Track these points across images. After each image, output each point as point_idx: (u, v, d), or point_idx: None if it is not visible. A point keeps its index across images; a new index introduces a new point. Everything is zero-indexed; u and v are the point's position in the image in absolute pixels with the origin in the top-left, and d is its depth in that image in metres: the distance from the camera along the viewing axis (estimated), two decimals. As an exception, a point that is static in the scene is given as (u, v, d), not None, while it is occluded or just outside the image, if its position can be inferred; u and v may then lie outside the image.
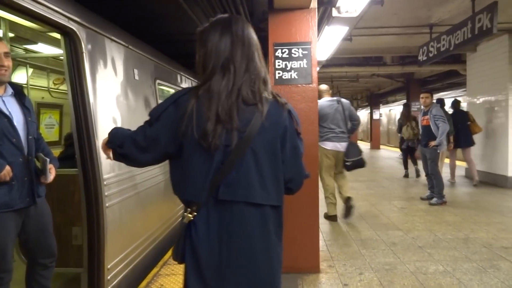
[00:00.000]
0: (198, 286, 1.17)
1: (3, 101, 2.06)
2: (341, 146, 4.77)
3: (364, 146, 19.59)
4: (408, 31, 7.25)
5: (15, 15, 2.12)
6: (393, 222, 4.79)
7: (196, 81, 6.12)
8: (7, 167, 1.96)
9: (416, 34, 7.36)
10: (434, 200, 5.72)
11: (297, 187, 1.35)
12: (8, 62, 2.05)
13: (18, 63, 4.90)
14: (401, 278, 3.10)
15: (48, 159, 2.15)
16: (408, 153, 8.50)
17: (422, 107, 6.01)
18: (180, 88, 5.18)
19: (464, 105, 8.54)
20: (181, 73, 5.24)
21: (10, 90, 2.14)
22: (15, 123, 2.06)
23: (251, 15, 4.62)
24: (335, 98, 4.94)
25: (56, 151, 6.41)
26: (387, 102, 18.89)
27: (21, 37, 3.72)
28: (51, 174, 2.21)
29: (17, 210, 2.05)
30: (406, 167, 8.66)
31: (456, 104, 7.63)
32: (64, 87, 6.35)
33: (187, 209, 1.18)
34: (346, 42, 6.82)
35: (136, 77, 3.46)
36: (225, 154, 1.14)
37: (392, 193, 6.75)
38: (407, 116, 8.36)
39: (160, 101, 4.06)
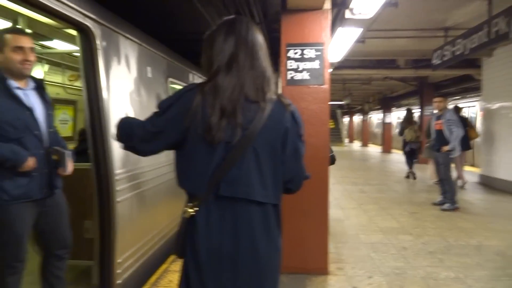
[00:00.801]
0: (198, 281, 1.18)
1: (26, 94, 2.11)
2: None
3: (375, 149, 19.44)
4: (423, 34, 7.17)
5: (33, 11, 2.16)
6: (404, 227, 4.74)
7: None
8: (32, 158, 2.00)
9: (431, 37, 7.28)
10: (446, 205, 5.64)
11: (296, 188, 1.36)
12: (33, 57, 2.10)
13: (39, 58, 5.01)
14: (411, 283, 3.06)
15: (67, 152, 2.19)
16: (410, 155, 8.87)
17: (435, 111, 5.93)
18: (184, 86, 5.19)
19: (475, 110, 8.43)
20: (193, 71, 5.28)
21: (32, 84, 2.19)
22: (37, 116, 2.11)
23: (264, 15, 4.63)
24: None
25: (70, 147, 6.51)
26: (400, 106, 18.69)
27: (38, 33, 3.79)
28: (69, 166, 2.25)
29: (35, 201, 2.09)
30: (410, 167, 8.95)
31: (456, 110, 7.60)
32: (78, 84, 6.45)
33: (188, 203, 1.20)
34: (359, 44, 6.78)
35: (149, 75, 3.49)
36: (227, 150, 1.16)
37: (403, 197, 6.68)
38: (409, 119, 8.88)
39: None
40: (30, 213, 2.09)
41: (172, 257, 3.49)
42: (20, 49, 2.03)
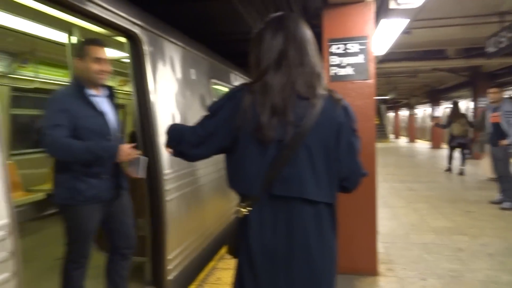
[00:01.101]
0: (251, 281, 1.18)
1: (100, 101, 2.25)
2: None
3: (424, 145, 18.53)
4: (475, 21, 6.69)
5: (88, 22, 2.29)
6: (458, 227, 4.47)
7: (248, 79, 6.19)
8: (126, 145, 2.13)
9: (483, 24, 6.77)
10: (506, 204, 5.23)
11: (353, 186, 1.32)
12: (109, 68, 2.26)
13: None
14: (469, 287, 2.88)
15: (143, 158, 2.27)
16: (454, 149, 8.76)
17: (489, 103, 5.53)
18: (233, 87, 5.27)
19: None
20: (235, 72, 5.34)
21: (105, 92, 2.34)
22: (109, 122, 2.25)
23: (304, 11, 4.56)
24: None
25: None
26: (449, 99, 17.64)
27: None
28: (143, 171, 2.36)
29: (104, 202, 2.22)
30: (450, 162, 8.93)
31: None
32: (127, 88, 6.77)
33: (241, 203, 1.20)
34: (404, 35, 6.47)
35: (193, 77, 3.58)
36: (279, 148, 1.15)
37: (457, 195, 6.30)
38: (456, 112, 8.60)
39: (215, 99, 4.22)
40: (99, 213, 2.21)
41: (219, 255, 3.56)
42: (99, 60, 2.18)
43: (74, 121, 2.06)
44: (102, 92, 2.31)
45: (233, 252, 1.25)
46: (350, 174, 1.28)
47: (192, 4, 4.47)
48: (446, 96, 17.65)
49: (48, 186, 5.31)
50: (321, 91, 1.20)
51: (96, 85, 2.24)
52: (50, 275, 3.33)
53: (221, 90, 4.84)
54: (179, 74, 3.25)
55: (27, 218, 5.04)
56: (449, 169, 8.93)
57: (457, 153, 8.82)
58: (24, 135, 5.62)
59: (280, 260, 1.16)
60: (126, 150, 2.10)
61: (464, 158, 8.56)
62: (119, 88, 6.62)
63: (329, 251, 1.23)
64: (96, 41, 2.22)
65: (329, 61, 3.16)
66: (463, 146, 8.49)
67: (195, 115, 3.51)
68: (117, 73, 5.97)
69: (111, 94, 2.38)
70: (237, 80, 5.43)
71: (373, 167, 3.13)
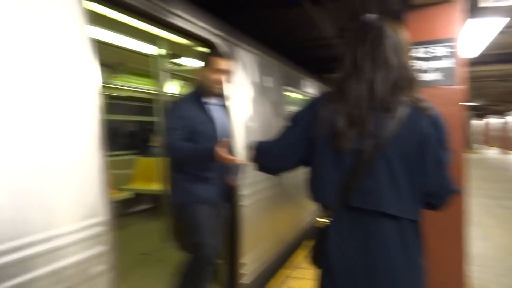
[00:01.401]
0: None
1: (213, 109, 2.39)
2: None
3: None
4: None
5: (173, 34, 2.46)
6: None
7: (320, 84, 6.11)
8: (219, 150, 2.14)
9: None
10: None
11: (440, 203, 1.20)
12: (228, 79, 2.38)
13: (169, 75, 5.71)
14: None
15: (242, 164, 2.37)
16: None
17: None
18: (305, 94, 5.27)
19: None
20: (306, 78, 5.30)
21: (220, 101, 2.48)
22: (220, 129, 2.36)
23: (384, 15, 4.37)
24: None
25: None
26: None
27: (173, 53, 4.32)
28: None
29: (213, 204, 2.32)
30: None
31: None
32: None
33: (321, 214, 1.18)
34: (498, 35, 5.82)
35: (267, 84, 3.63)
36: (356, 158, 1.11)
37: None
38: None
39: (287, 107, 4.23)
40: (212, 213, 2.30)
41: (293, 264, 3.53)
42: (219, 70, 2.30)
43: (192, 126, 2.22)
44: (217, 100, 2.43)
45: (314, 262, 1.23)
46: (437, 190, 1.17)
47: (266, 12, 4.56)
48: (548, 102, 15.49)
49: (134, 186, 5.80)
50: (407, 98, 1.13)
51: (213, 93, 2.36)
52: (137, 268, 3.62)
53: (293, 97, 4.84)
54: (254, 81, 3.33)
55: (116, 214, 5.55)
56: None
57: None
58: (114, 139, 6.23)
59: (361, 274, 1.11)
60: (221, 154, 2.08)
61: None
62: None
63: (417, 273, 1.14)
64: (219, 53, 2.35)
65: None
66: None
67: (268, 122, 3.56)
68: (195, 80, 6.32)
69: (225, 104, 2.50)
70: (308, 86, 5.39)
71: (461, 181, 2.84)
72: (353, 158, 1.11)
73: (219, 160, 2.09)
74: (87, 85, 1.56)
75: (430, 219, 2.78)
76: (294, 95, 4.88)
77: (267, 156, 1.29)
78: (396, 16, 4.67)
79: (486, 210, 5.92)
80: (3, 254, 1.18)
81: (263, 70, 3.60)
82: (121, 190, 5.43)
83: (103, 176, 1.60)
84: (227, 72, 2.32)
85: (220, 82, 2.28)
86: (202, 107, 2.29)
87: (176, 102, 2.35)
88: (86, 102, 1.54)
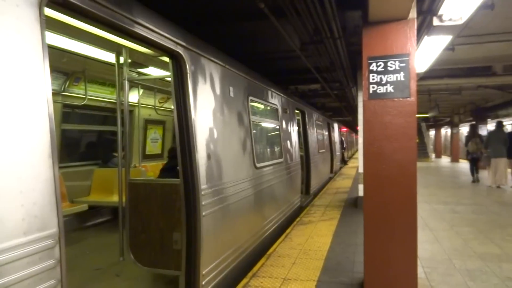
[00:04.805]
0: None
1: None
2: None
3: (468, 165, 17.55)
4: (525, 36, 6.35)
5: (134, 43, 2.43)
6: (508, 254, 4.15)
7: (285, 96, 6.23)
8: None
9: (535, 39, 6.41)
10: None
11: None
12: None
13: (132, 84, 5.60)
14: (522, 321, 2.65)
15: None
16: (474, 163, 10.97)
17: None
18: (270, 104, 5.36)
19: None
20: (271, 89, 5.39)
21: None
22: None
23: (343, 30, 4.56)
24: None
25: (159, 163, 7.08)
26: (497, 117, 16.67)
27: (136, 62, 4.25)
28: None
29: None
30: (473, 174, 11.00)
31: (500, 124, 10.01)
32: (167, 105, 7.03)
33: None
34: (448, 52, 6.26)
35: (232, 94, 3.66)
36: None
37: (506, 220, 5.88)
38: (473, 133, 11.04)
39: (252, 117, 4.29)
40: None
41: (252, 273, 3.53)
42: None
43: None
44: None
45: None
46: None
47: (233, 25, 4.62)
48: (493, 114, 16.72)
49: (91, 198, 5.58)
50: None
51: None
52: (91, 284, 3.46)
53: (258, 108, 4.90)
54: (218, 92, 3.34)
55: (70, 228, 5.30)
56: (474, 181, 10.84)
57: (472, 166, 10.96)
58: (71, 149, 5.97)
59: None
60: None
61: (477, 169, 10.89)
62: (160, 105, 6.88)
63: None
64: None
65: (368, 78, 3.12)
66: (476, 160, 10.82)
67: (233, 132, 3.57)
68: (158, 90, 6.24)
69: None
70: (274, 97, 5.48)
71: (413, 188, 3.00)
72: None
73: None
74: (35, 92, 1.48)
75: (385, 224, 2.94)
76: (260, 105, 4.94)
77: None
78: (355, 31, 4.93)
79: (437, 215, 6.25)
80: None
81: (229, 81, 3.62)
82: (77, 202, 5.21)
83: (54, 187, 1.53)
84: None
85: None
86: None
87: None
88: (33, 110, 1.47)
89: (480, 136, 10.96)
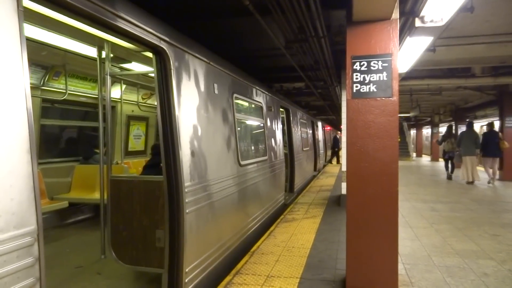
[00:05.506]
0: None
1: None
2: None
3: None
4: (503, 39, 6.55)
5: (117, 37, 2.38)
6: (484, 250, 4.28)
7: (269, 94, 6.24)
8: None
9: (512, 42, 6.62)
10: (536, 228, 5.02)
11: None
12: None
13: (114, 80, 5.50)
14: (496, 315, 2.74)
15: None
16: (449, 161, 11.96)
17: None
18: (254, 102, 5.37)
19: None
20: (256, 87, 5.39)
21: None
22: None
23: (328, 29, 4.60)
24: None
25: (142, 160, 6.98)
26: (475, 117, 17.16)
27: (118, 56, 4.17)
28: None
29: None
30: (447, 170, 11.98)
31: (490, 125, 10.66)
32: (150, 101, 6.94)
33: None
34: (429, 52, 6.40)
35: (216, 91, 3.64)
36: None
37: (483, 218, 6.06)
38: (449, 133, 11.93)
39: (237, 114, 4.28)
40: None
41: (235, 270, 3.53)
42: None
43: None
44: None
45: None
46: None
47: (217, 21, 4.59)
48: (472, 115, 17.20)
49: (72, 195, 5.47)
50: None
51: None
52: (71, 283, 3.39)
53: (242, 105, 4.89)
54: (202, 89, 3.32)
55: (49, 225, 5.18)
56: (449, 178, 11.72)
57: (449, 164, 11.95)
58: (51, 144, 5.83)
59: None
60: None
61: (453, 167, 11.84)
62: (143, 101, 6.78)
63: None
64: None
65: (352, 78, 3.16)
66: (451, 158, 11.80)
67: (217, 129, 3.55)
68: (141, 86, 6.14)
69: None
70: (259, 95, 5.48)
71: (395, 186, 3.06)
72: None
73: None
74: (13, 86, 1.43)
75: (366, 220, 2.99)
76: (245, 103, 4.93)
77: None
78: (340, 30, 4.97)
79: (417, 213, 6.40)
80: None
81: (213, 78, 3.60)
82: (57, 199, 5.10)
83: (33, 183, 1.49)
84: None
85: None
86: None
87: None
88: (11, 103, 1.42)
89: (455, 136, 11.97)
